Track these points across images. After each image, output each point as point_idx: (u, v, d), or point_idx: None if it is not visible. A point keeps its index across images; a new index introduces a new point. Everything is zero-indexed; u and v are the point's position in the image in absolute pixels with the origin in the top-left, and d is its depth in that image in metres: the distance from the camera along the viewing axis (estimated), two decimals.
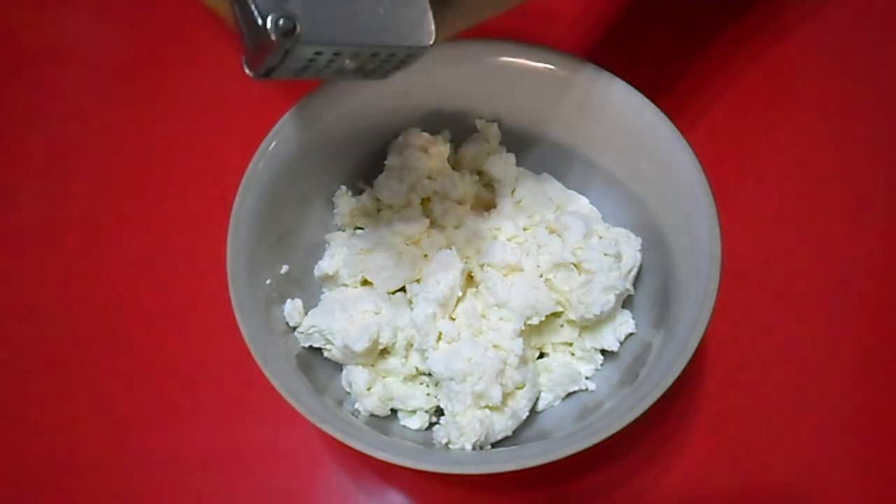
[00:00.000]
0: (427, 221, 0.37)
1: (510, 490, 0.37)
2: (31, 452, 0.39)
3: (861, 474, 0.37)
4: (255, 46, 0.24)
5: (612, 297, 0.34)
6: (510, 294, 0.34)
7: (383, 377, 0.36)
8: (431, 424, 0.36)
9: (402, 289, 0.37)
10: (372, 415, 0.35)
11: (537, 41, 0.36)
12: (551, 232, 0.36)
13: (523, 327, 0.34)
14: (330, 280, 0.37)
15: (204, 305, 0.41)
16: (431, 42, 0.24)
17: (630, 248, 0.36)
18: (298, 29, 0.22)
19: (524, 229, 0.37)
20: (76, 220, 0.45)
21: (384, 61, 0.26)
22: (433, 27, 0.24)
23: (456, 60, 0.36)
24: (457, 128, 0.39)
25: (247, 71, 0.26)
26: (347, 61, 0.25)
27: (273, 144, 0.34)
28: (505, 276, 0.35)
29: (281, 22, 0.22)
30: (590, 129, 0.37)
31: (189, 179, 0.46)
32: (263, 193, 0.34)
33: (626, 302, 0.37)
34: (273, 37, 0.22)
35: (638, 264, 0.36)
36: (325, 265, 0.37)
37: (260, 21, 0.23)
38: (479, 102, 0.38)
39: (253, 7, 0.23)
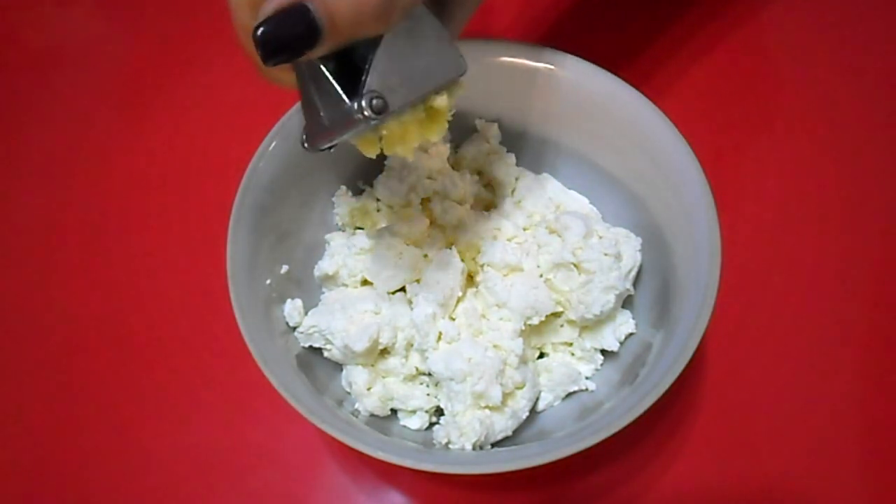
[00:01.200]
0: (427, 221, 0.37)
1: (510, 490, 0.37)
2: (31, 452, 0.39)
3: (861, 474, 0.37)
4: (331, 124, 0.25)
5: (612, 297, 0.34)
6: (510, 294, 0.34)
7: (383, 377, 0.36)
8: (431, 424, 0.36)
9: (402, 289, 0.37)
10: (372, 415, 0.35)
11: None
12: (551, 232, 0.36)
13: (523, 327, 0.34)
14: (330, 280, 0.37)
15: (204, 305, 0.41)
16: (466, 68, 0.27)
17: (630, 248, 0.36)
18: (390, 105, 0.24)
19: (524, 229, 0.37)
20: (76, 220, 0.45)
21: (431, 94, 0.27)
22: (462, 55, 0.27)
23: None
24: (457, 128, 0.39)
25: (306, 147, 0.27)
26: (407, 109, 0.27)
27: (273, 144, 0.34)
28: (505, 276, 0.35)
29: (374, 102, 0.24)
30: (590, 130, 0.37)
31: (189, 179, 0.46)
32: (263, 193, 0.34)
33: (626, 302, 0.37)
34: (367, 114, 0.24)
35: (638, 264, 0.36)
36: (325, 265, 0.37)
37: (349, 103, 0.24)
38: (479, 102, 0.38)
39: (340, 91, 0.24)
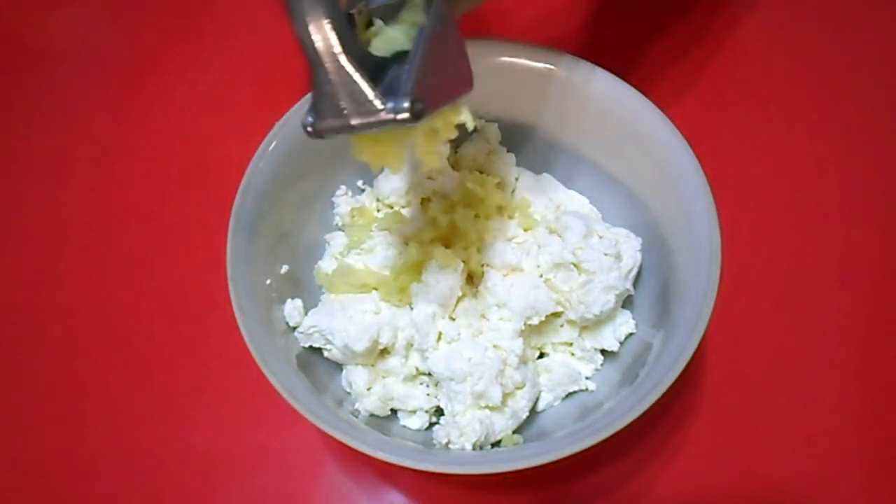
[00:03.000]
0: (427, 221, 0.37)
1: (510, 490, 0.37)
2: (30, 452, 0.39)
3: (861, 474, 0.37)
4: (352, 116, 0.24)
5: (612, 297, 0.34)
6: (510, 294, 0.34)
7: (383, 377, 0.36)
8: (431, 424, 0.36)
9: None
10: (372, 415, 0.35)
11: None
12: (551, 232, 0.36)
13: (523, 327, 0.34)
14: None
15: (204, 305, 0.41)
16: (472, 85, 0.27)
17: (630, 248, 0.36)
18: (426, 111, 0.23)
19: (524, 229, 0.37)
20: (76, 221, 0.45)
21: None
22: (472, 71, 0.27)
23: None
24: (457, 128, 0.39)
25: (310, 130, 0.25)
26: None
27: (273, 144, 0.34)
28: (505, 276, 0.35)
29: (416, 106, 0.23)
30: (590, 129, 0.37)
31: (189, 179, 0.46)
32: (263, 193, 0.34)
33: (626, 302, 0.37)
34: (402, 118, 0.23)
35: (638, 264, 0.36)
36: (325, 265, 0.37)
37: (383, 103, 0.23)
38: (479, 102, 0.38)
39: (368, 87, 0.23)
